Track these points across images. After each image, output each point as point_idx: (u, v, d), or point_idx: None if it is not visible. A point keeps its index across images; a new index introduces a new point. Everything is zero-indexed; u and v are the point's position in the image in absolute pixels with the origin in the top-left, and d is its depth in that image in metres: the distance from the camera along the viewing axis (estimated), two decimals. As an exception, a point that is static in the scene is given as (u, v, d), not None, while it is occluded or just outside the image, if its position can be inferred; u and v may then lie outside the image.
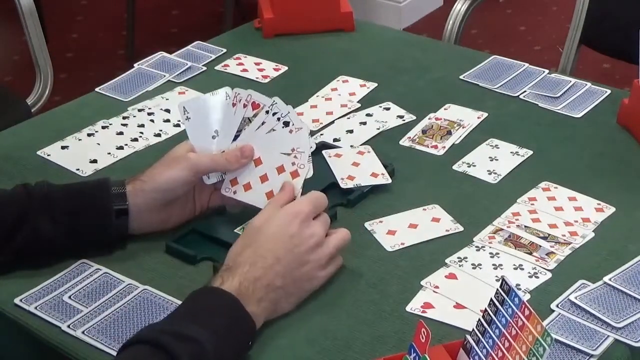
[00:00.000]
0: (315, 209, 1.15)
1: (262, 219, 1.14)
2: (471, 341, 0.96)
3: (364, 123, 1.50)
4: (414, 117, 1.52)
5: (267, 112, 1.23)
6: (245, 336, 1.05)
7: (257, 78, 1.66)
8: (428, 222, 1.27)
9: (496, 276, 1.15)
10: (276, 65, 1.70)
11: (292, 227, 1.12)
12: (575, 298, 1.11)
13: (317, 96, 1.60)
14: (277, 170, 1.22)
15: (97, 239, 1.20)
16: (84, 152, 1.44)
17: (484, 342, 0.94)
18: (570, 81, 1.60)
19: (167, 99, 1.59)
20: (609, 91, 1.57)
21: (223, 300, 1.04)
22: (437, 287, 1.15)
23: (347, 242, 1.17)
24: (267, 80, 1.66)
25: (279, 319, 1.11)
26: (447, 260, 1.19)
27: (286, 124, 1.23)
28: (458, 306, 1.12)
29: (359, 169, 1.36)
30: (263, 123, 1.24)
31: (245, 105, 1.25)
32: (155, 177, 1.21)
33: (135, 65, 1.70)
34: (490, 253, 1.20)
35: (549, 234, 1.23)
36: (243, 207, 1.25)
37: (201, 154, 1.23)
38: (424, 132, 1.48)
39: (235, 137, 1.25)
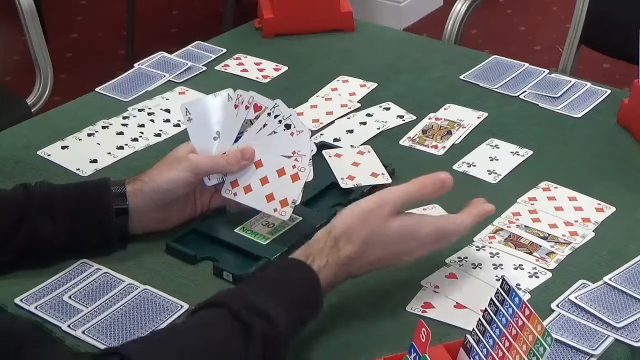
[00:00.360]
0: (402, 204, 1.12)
1: (393, 210, 1.10)
2: (471, 341, 0.96)
3: (364, 123, 1.50)
4: (414, 117, 1.52)
5: (269, 114, 1.23)
6: (311, 317, 1.05)
7: (257, 78, 1.66)
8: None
9: (496, 276, 1.15)
10: (276, 65, 1.70)
11: (414, 243, 1.10)
12: (576, 298, 1.11)
13: (317, 96, 1.60)
14: (278, 173, 1.22)
15: (97, 239, 1.20)
16: (84, 152, 1.44)
17: (484, 342, 0.94)
18: (570, 81, 1.60)
19: (167, 99, 1.58)
20: (609, 91, 1.57)
21: (313, 290, 1.04)
22: (437, 287, 1.15)
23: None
24: (267, 80, 1.66)
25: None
26: (447, 260, 1.19)
27: (288, 126, 1.22)
28: (458, 306, 1.12)
29: (359, 168, 1.36)
30: (265, 125, 1.23)
31: (247, 107, 1.25)
32: (155, 177, 1.21)
33: (135, 65, 1.70)
34: (491, 253, 1.20)
35: (549, 234, 1.23)
36: (243, 208, 1.25)
37: (202, 156, 1.23)
38: (424, 132, 1.48)
39: (237, 139, 1.25)
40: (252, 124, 1.24)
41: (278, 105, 1.24)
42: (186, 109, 1.26)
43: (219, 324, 0.97)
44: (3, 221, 1.16)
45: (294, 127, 1.22)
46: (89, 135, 1.49)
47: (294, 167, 1.21)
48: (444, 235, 1.11)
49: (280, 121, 1.23)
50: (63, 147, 1.46)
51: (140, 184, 1.20)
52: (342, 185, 1.32)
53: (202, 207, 1.26)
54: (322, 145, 1.42)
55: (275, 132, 1.23)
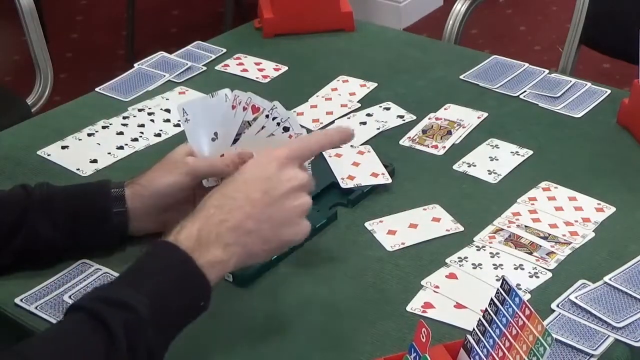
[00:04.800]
0: (296, 158, 1.09)
1: (240, 169, 1.09)
2: (472, 341, 0.96)
3: (364, 123, 1.51)
4: (414, 117, 1.52)
5: (267, 116, 1.23)
6: (194, 293, 0.98)
7: (257, 78, 1.66)
8: (428, 222, 1.27)
9: (496, 276, 1.15)
10: (276, 65, 1.70)
11: (268, 169, 1.05)
12: (576, 298, 1.11)
13: (317, 96, 1.60)
14: None
15: (96, 241, 1.20)
16: (84, 152, 1.44)
17: (485, 342, 0.94)
18: (570, 81, 1.60)
19: (167, 99, 1.59)
20: (609, 91, 1.57)
21: (171, 257, 0.98)
22: (437, 287, 1.15)
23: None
24: (267, 80, 1.66)
25: (279, 318, 1.11)
26: (447, 260, 1.19)
27: (286, 129, 1.22)
28: (458, 306, 1.12)
29: (359, 168, 1.36)
30: (263, 127, 1.23)
31: (245, 108, 1.24)
32: (153, 182, 1.20)
33: (135, 65, 1.70)
34: (491, 253, 1.20)
35: (549, 234, 1.23)
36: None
37: (200, 159, 1.22)
38: (424, 132, 1.48)
39: (235, 141, 1.24)
40: (250, 125, 1.24)
41: (276, 107, 1.22)
42: (183, 109, 1.25)
43: (78, 329, 0.93)
44: (2, 222, 1.16)
45: (292, 130, 1.21)
46: (89, 135, 1.49)
47: None
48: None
49: (278, 124, 1.22)
50: (63, 147, 1.46)
51: (139, 188, 1.20)
52: (342, 185, 1.32)
53: (201, 209, 1.25)
54: (322, 145, 1.42)
55: (273, 135, 1.22)
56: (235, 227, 1.02)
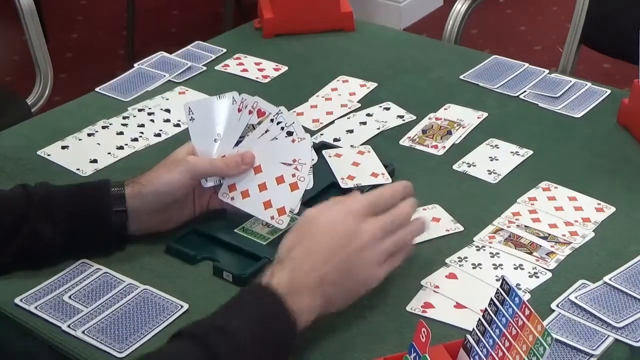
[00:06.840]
0: (371, 207, 1.12)
1: (316, 211, 1.11)
2: (471, 341, 0.96)
3: (364, 123, 1.51)
4: (414, 117, 1.52)
5: (271, 120, 1.23)
6: (283, 334, 1.02)
7: (257, 78, 1.66)
8: (428, 222, 1.26)
9: (496, 276, 1.16)
10: (276, 65, 1.70)
11: (346, 222, 1.09)
12: (576, 298, 1.11)
13: (317, 96, 1.60)
14: (277, 180, 1.21)
15: (96, 241, 1.20)
16: (84, 152, 1.44)
17: (485, 342, 0.94)
18: (570, 81, 1.60)
19: (167, 99, 1.59)
20: (609, 91, 1.57)
21: (266, 297, 1.02)
22: (437, 287, 1.15)
23: (413, 236, 1.15)
24: (267, 80, 1.66)
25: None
26: (447, 260, 1.19)
27: (289, 133, 1.22)
28: (458, 306, 1.12)
29: (359, 168, 1.36)
30: (267, 131, 1.23)
31: (250, 112, 1.24)
32: (153, 180, 1.20)
33: (135, 65, 1.70)
34: (491, 253, 1.20)
35: (549, 234, 1.23)
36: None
37: (200, 158, 1.22)
38: (424, 132, 1.48)
39: (238, 143, 1.24)
40: (254, 128, 1.24)
41: (282, 113, 1.23)
42: (189, 108, 1.26)
43: (185, 353, 0.96)
44: (3, 222, 1.16)
45: (296, 135, 1.22)
46: (89, 135, 1.49)
47: (293, 175, 1.20)
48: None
49: (282, 128, 1.22)
50: (63, 147, 1.46)
51: (139, 187, 1.20)
52: (342, 185, 1.32)
53: (200, 208, 1.26)
54: (322, 145, 1.42)
55: (276, 139, 1.22)
56: (321, 277, 1.05)
